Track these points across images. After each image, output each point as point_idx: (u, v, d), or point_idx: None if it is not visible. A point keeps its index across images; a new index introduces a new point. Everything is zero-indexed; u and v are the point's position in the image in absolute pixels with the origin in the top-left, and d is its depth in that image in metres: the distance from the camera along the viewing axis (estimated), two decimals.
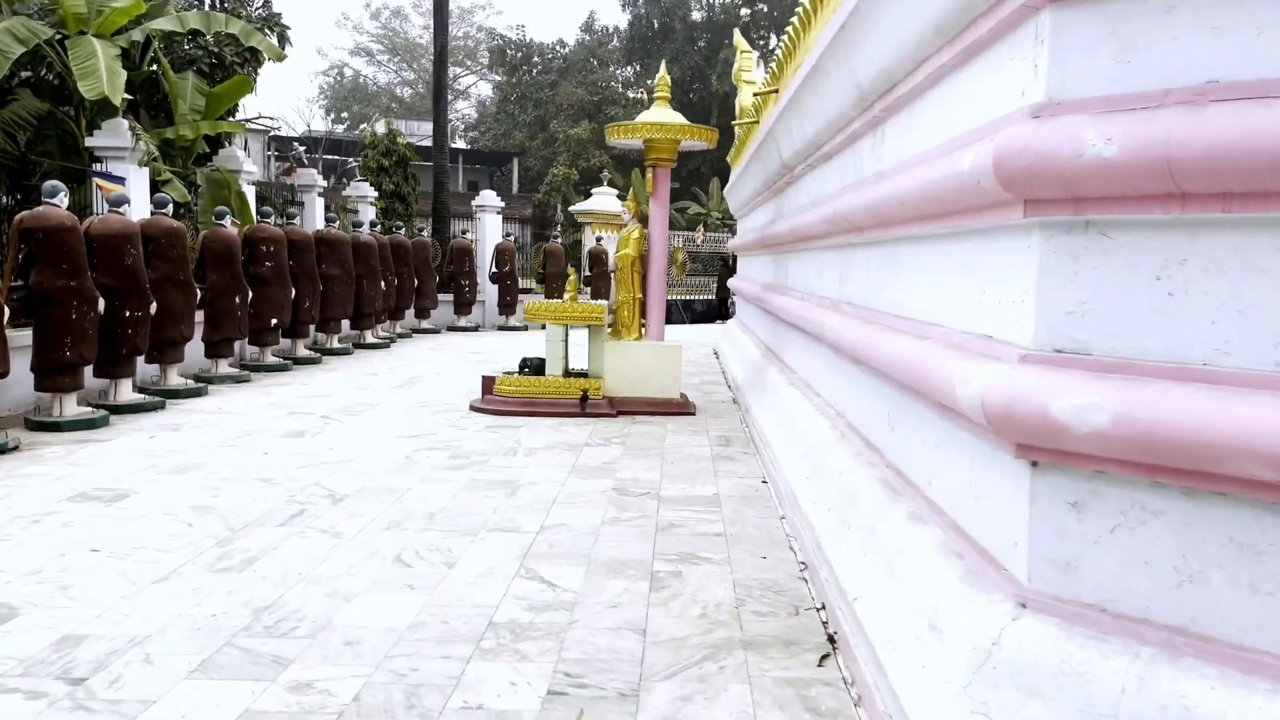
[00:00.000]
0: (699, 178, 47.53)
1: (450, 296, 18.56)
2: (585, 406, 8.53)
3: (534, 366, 8.94)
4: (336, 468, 6.30)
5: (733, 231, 27.41)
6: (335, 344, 13.62)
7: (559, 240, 20.31)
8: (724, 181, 50.11)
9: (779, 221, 8.26)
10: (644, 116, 8.77)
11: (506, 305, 19.19)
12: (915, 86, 3.57)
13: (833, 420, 5.34)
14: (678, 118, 8.74)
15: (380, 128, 22.18)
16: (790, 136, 6.82)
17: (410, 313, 17.08)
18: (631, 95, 54.84)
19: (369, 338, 14.74)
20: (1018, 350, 2.49)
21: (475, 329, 19.01)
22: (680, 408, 8.71)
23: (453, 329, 18.59)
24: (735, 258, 24.14)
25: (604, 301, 8.82)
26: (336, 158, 38.25)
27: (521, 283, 20.13)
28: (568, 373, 8.81)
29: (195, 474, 6.08)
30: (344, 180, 23.99)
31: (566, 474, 6.23)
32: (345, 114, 63.04)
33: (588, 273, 20.81)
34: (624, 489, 5.86)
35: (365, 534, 4.84)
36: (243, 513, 5.19)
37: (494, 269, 19.06)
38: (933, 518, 3.32)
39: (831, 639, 3.58)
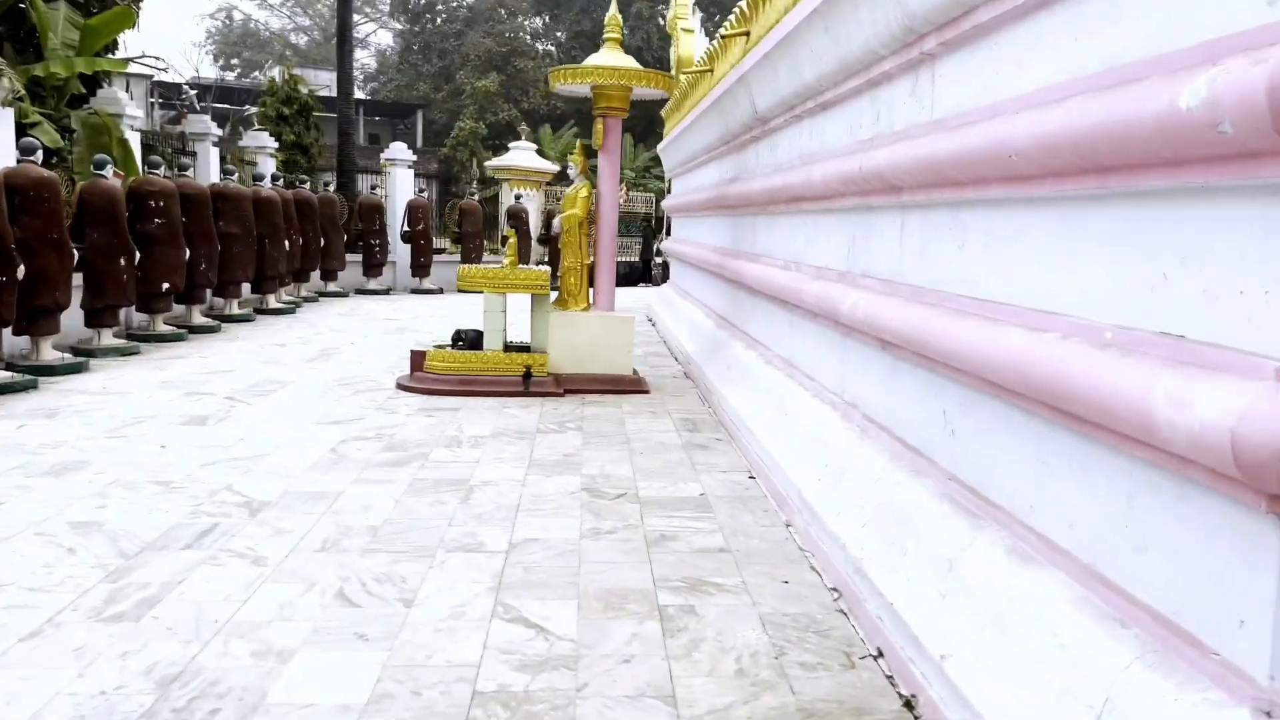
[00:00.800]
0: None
1: (359, 257, 17.31)
2: (529, 385, 7.68)
3: (469, 340, 8.02)
4: (250, 465, 5.33)
5: (659, 192, 26.56)
6: (235, 310, 12.38)
7: (475, 197, 19.14)
8: (638, 139, 48.90)
9: (744, 180, 7.49)
10: (593, 59, 7.86)
11: (420, 267, 18.02)
12: (1021, 4, 2.81)
13: (843, 411, 4.63)
14: (629, 61, 7.86)
15: (278, 75, 20.55)
16: (774, 83, 6.03)
17: (316, 275, 15.82)
18: (541, 48, 53.25)
19: (272, 302, 13.50)
20: (1272, 364, 1.78)
21: (387, 292, 17.81)
22: (633, 385, 7.92)
23: (362, 292, 17.37)
24: (665, 218, 23.40)
25: (540, 268, 7.92)
26: (229, 107, 35.91)
27: (435, 242, 18.94)
28: (508, 347, 7.92)
29: (76, 476, 5.04)
30: (240, 129, 22.27)
31: (524, 470, 5.39)
32: (235, 61, 59.70)
33: (504, 232, 19.73)
34: (595, 489, 5.06)
35: (296, 558, 3.94)
36: (138, 530, 4.22)
37: (406, 228, 17.84)
38: (1050, 558, 2.62)
39: (910, 704, 2.87)
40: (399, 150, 18.77)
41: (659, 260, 23.20)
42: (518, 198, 19.75)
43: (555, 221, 8.03)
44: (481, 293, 7.85)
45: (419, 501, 4.75)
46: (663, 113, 14.05)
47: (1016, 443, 2.87)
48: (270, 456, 5.53)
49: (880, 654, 3.17)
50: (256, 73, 56.26)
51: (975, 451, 3.18)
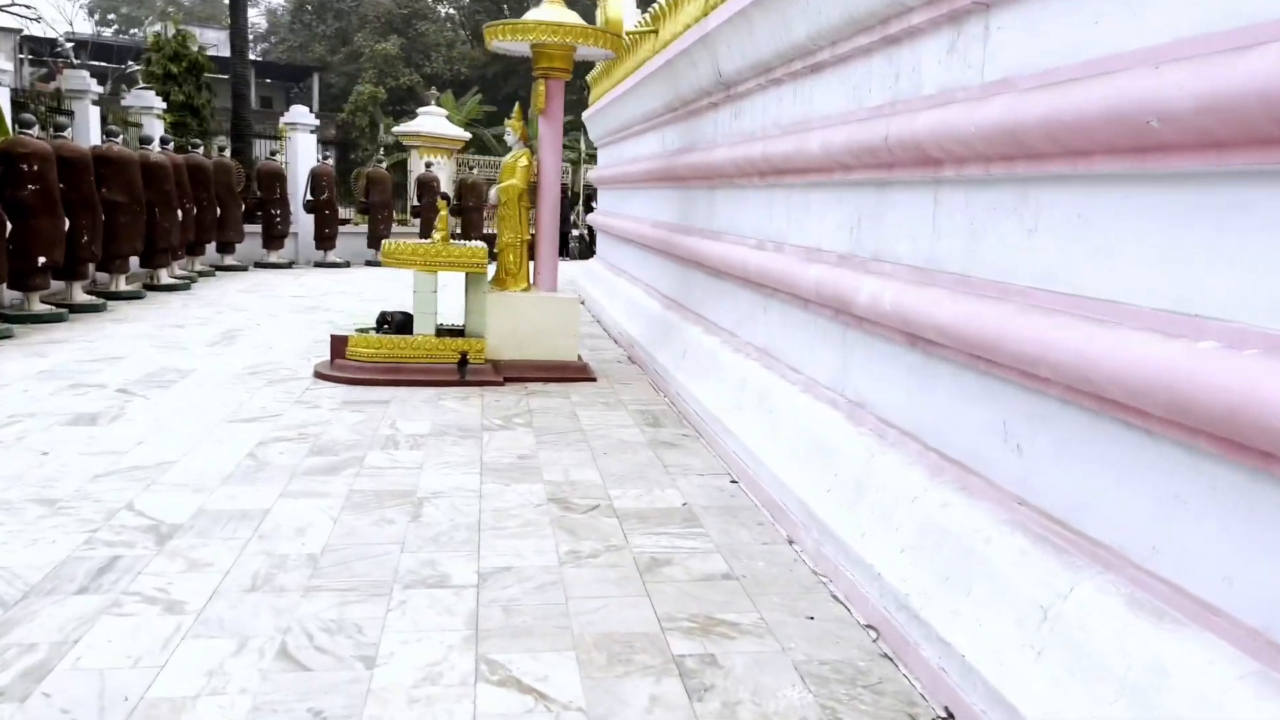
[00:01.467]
0: (516, 102, 45.27)
1: (258, 228, 16.15)
2: (465, 373, 6.99)
3: (396, 323, 7.27)
4: (154, 477, 4.55)
5: (575, 162, 25.77)
6: (123, 286, 11.26)
7: (383, 164, 18.09)
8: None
9: (699, 150, 6.91)
10: (534, 14, 7.14)
11: (325, 239, 16.94)
12: None
13: (848, 412, 4.13)
14: (573, 17, 7.16)
15: (164, 30, 19.02)
16: (748, 43, 5.45)
17: (211, 247, 14.66)
18: (444, 10, 51.54)
19: (164, 277, 12.38)
20: None
21: (289, 266, 16.69)
22: (579, 372, 7.30)
23: (263, 266, 16.22)
24: (583, 190, 22.60)
25: (474, 244, 7.20)
26: (106, 65, 33.54)
27: (339, 212, 17.83)
28: (439, 331, 7.21)
29: None
30: (123, 88, 20.62)
31: (477, 477, 4.75)
32: (112, 16, 56.24)
33: (415, 202, 18.78)
34: (564, 500, 4.45)
35: (221, 602, 3.23)
36: (18, 568, 3.44)
37: (309, 196, 16.73)
38: (1198, 618, 2.14)
39: None
40: (300, 114, 17.58)
41: (577, 233, 22.52)
42: (428, 165, 18.84)
43: (491, 193, 7.32)
44: (409, 270, 7.11)
45: (362, 520, 4.07)
46: (590, 78, 13.34)
47: (1131, 470, 2.38)
48: (177, 465, 4.75)
49: (951, 716, 2.67)
50: (135, 29, 53.03)
51: (1055, 474, 2.70)
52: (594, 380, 7.29)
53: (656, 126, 8.83)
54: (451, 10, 51.91)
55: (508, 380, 7.06)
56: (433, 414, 6.05)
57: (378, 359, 6.96)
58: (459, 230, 19.51)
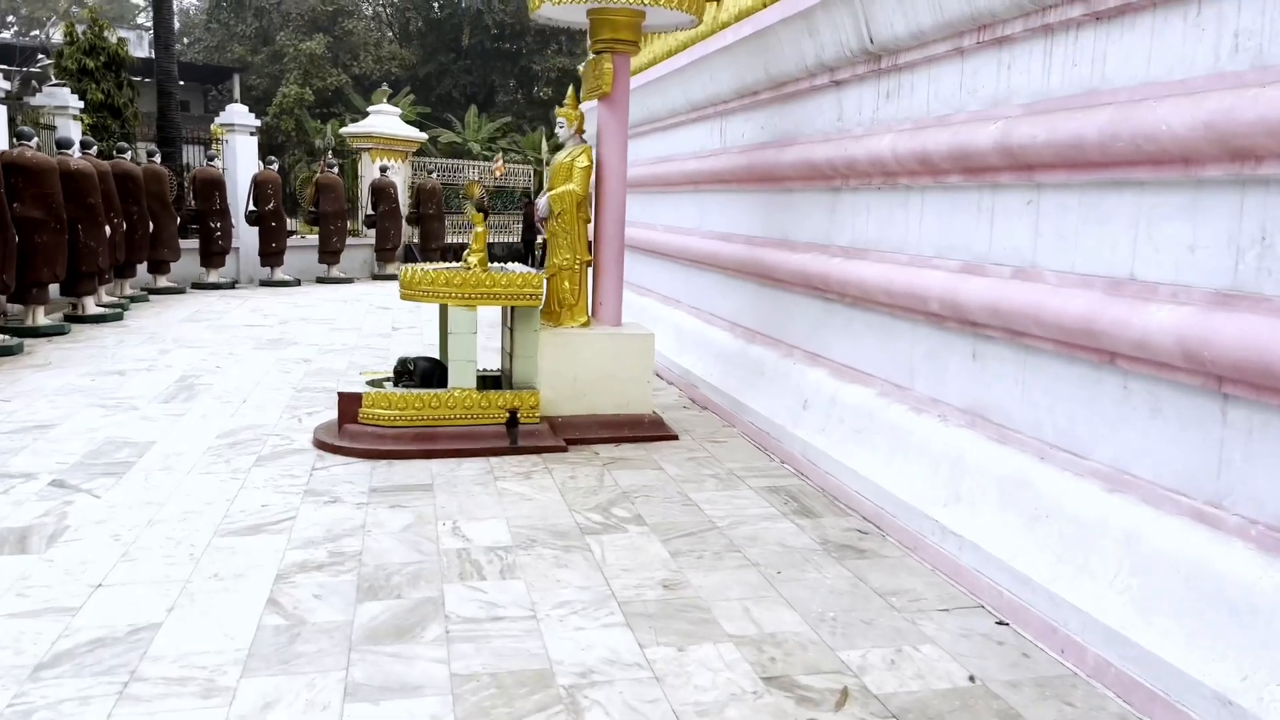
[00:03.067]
0: (450, 102, 43.32)
1: (194, 244, 14.18)
2: (516, 436, 5.37)
3: (422, 372, 5.61)
4: (132, 662, 2.86)
5: (537, 163, 24.03)
6: (42, 320, 9.31)
7: (335, 170, 16.21)
8: (483, 106, 45.82)
9: (811, 143, 5.39)
10: None
11: (272, 254, 15.01)
12: None
13: (1215, 522, 2.65)
14: None
15: (79, 24, 16.81)
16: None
17: (142, 267, 12.68)
18: (370, 9, 49.30)
19: (91, 306, 10.42)
20: None
21: (232, 285, 14.73)
22: (656, 429, 5.73)
23: (201, 286, 14.24)
24: (531, 197, 20.84)
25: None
26: (9, 67, 30.70)
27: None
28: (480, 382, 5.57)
29: None
30: (34, 85, 18.33)
31: (627, 632, 3.15)
32: (12, 19, 52.65)
33: (369, 210, 16.94)
34: (784, 677, 2.88)
35: None
36: None
37: (252, 207, 14.79)
38: None
39: None
40: (239, 113, 15.59)
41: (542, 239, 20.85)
42: (383, 170, 16.99)
43: (541, 202, 5.68)
44: (426, 303, 5.46)
45: None
46: (581, 69, 11.73)
47: None
48: (163, 632, 3.06)
49: None
50: (37, 31, 49.64)
51: None
52: (675, 438, 5.72)
53: (713, 116, 7.29)
54: (380, 8, 49.69)
55: (570, 443, 5.46)
56: (499, 504, 4.42)
57: (403, 422, 5.29)
58: (416, 240, 17.74)
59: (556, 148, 6.05)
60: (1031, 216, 3.62)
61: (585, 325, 5.77)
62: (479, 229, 5.56)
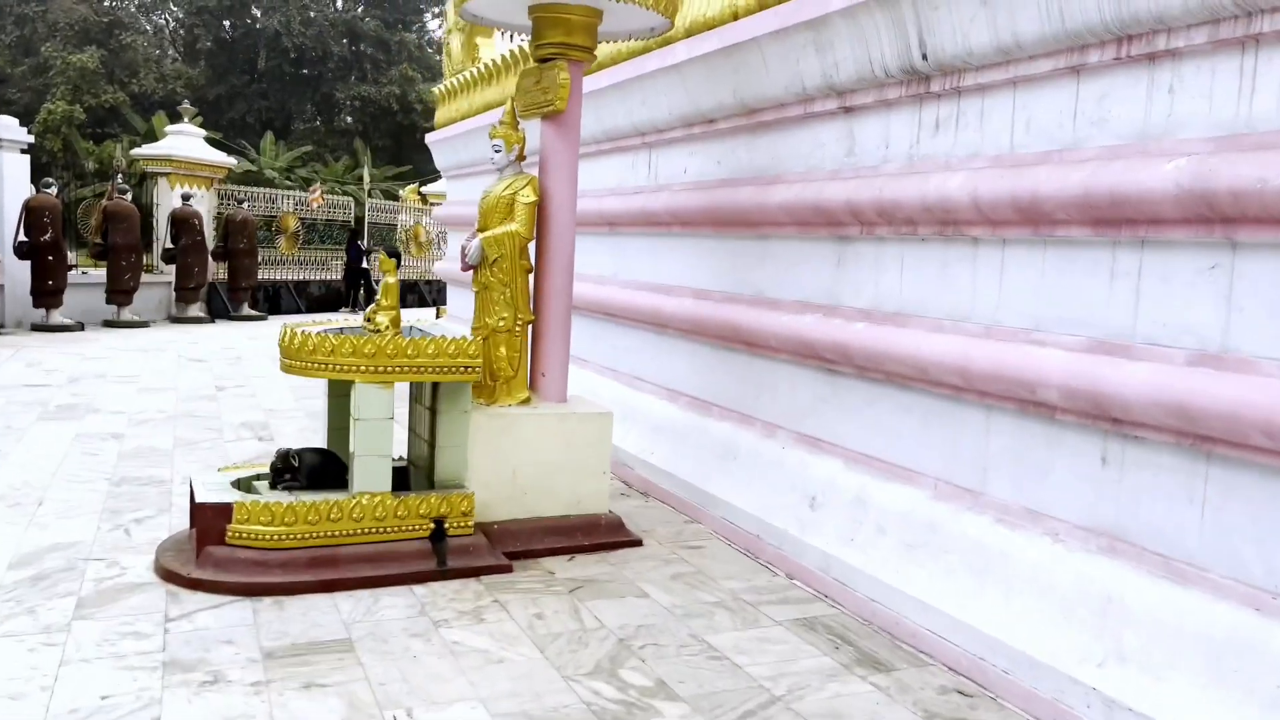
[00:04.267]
0: (243, 128, 40.24)
1: None
2: (445, 554, 4.05)
3: (310, 468, 4.18)
4: None
5: (357, 196, 22.12)
6: None
7: (127, 196, 13.98)
8: (280, 134, 42.94)
9: (805, 183, 4.43)
10: None
11: (48, 293, 12.65)
12: None
13: None
14: None
15: None
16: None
17: None
18: (150, 23, 45.39)
19: None
20: None
21: None
22: (616, 533, 4.54)
23: None
24: (356, 231, 18.93)
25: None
26: None
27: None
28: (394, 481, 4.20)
29: None
30: None
31: None
32: None
33: (169, 244, 14.78)
34: None
35: None
36: None
37: (23, 237, 12.43)
38: None
39: None
40: (8, 126, 13.14)
41: (378, 280, 19.02)
42: (185, 199, 14.89)
43: (472, 245, 4.39)
44: (333, 380, 4.07)
45: None
46: (439, 89, 10.43)
47: None
48: None
49: None
50: None
51: None
52: (639, 544, 4.56)
53: (639, 148, 6.22)
54: (163, 20, 45.83)
55: (512, 557, 4.20)
56: (459, 672, 3.13)
57: (292, 542, 3.86)
58: (223, 276, 15.66)
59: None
60: (1219, 285, 2.76)
61: (526, 403, 4.53)
62: (390, 279, 4.23)
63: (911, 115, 3.94)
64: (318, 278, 18.20)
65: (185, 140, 15.55)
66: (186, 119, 15.99)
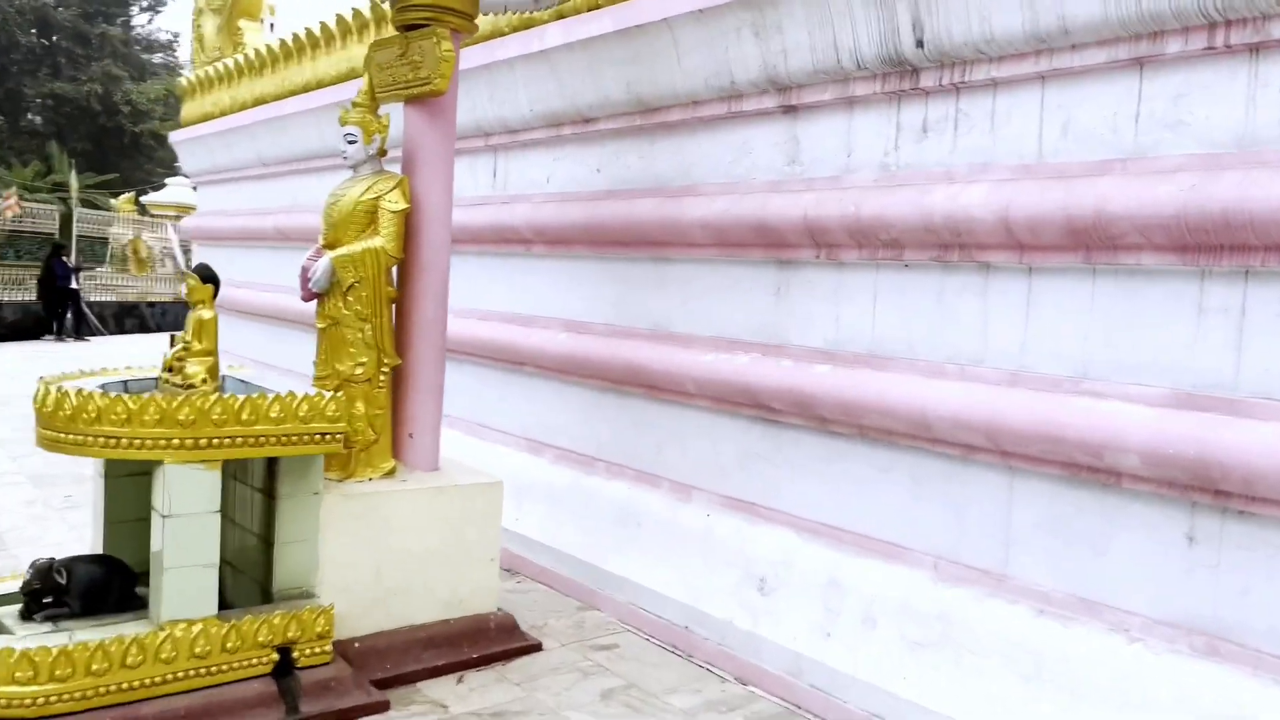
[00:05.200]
0: None
1: None
2: (296, 697, 2.90)
3: (86, 586, 2.88)
4: None
5: (64, 206, 19.01)
6: None
7: None
8: None
9: (732, 194, 3.69)
10: None
11: None
12: None
13: None
14: None
15: None
16: None
17: None
18: None
19: None
20: None
21: None
22: (509, 638, 3.53)
23: None
24: (61, 245, 15.84)
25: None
26: None
27: None
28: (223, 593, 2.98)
29: None
30: None
31: None
32: None
33: None
34: None
35: None
36: None
37: None
38: None
39: None
40: None
41: (91, 301, 16.34)
42: None
43: (319, 266, 3.23)
44: (105, 458, 2.81)
45: None
46: (186, 80, 8.81)
47: None
48: None
49: None
50: None
51: None
52: (539, 648, 3.58)
53: (481, 151, 5.22)
54: None
55: (385, 686, 3.11)
56: None
57: (68, 706, 2.58)
58: None
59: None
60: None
61: (391, 474, 3.43)
62: (205, 314, 3.02)
63: (886, 116, 3.28)
64: (9, 298, 15.31)
65: None
66: None
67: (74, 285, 15.36)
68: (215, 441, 2.79)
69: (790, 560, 3.45)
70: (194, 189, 20.58)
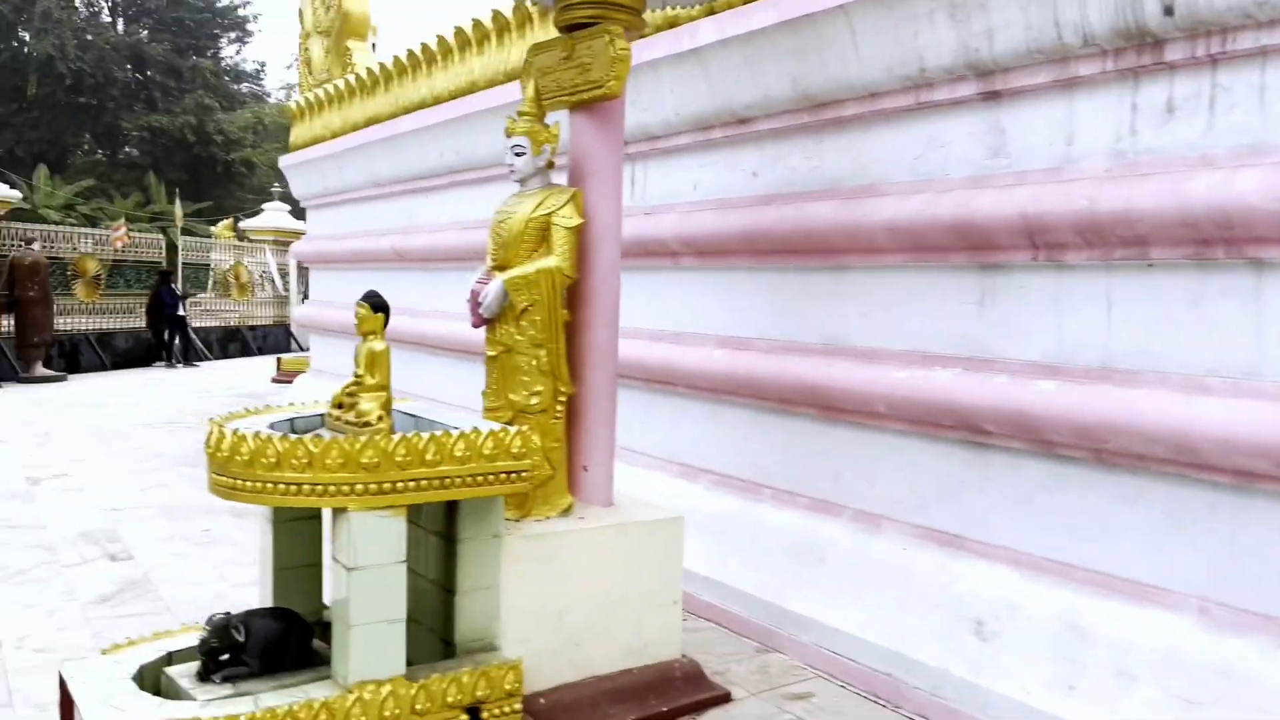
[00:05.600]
0: (11, 162, 35.78)
1: None
2: None
3: (264, 643, 2.65)
4: None
5: (170, 234, 19.50)
6: None
7: None
8: (55, 167, 38.65)
9: (957, 193, 3.34)
10: None
11: None
12: None
13: None
14: None
15: None
16: None
17: None
18: None
19: None
20: None
21: None
22: (697, 688, 3.23)
23: None
24: (168, 272, 16.13)
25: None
26: None
27: None
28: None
29: None
30: None
31: None
32: None
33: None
34: None
35: None
36: None
37: None
38: None
39: None
40: None
41: (196, 327, 16.66)
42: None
43: (491, 290, 2.98)
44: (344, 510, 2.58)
45: None
46: (296, 104, 8.78)
47: None
48: None
49: None
50: None
51: None
52: (728, 699, 3.27)
53: (624, 160, 4.96)
54: None
55: None
56: None
57: None
58: (9, 331, 13.10)
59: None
60: None
61: (568, 512, 3.16)
62: (377, 345, 2.78)
63: (1117, 97, 2.90)
64: (122, 325, 15.67)
65: None
66: None
67: (180, 312, 15.65)
68: (400, 485, 2.55)
69: (1013, 601, 3.07)
70: (289, 213, 20.91)
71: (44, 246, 13.93)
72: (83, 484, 6.42)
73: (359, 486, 2.50)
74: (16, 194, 14.01)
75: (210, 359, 17.04)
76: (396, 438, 2.54)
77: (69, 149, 39.20)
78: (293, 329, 19.72)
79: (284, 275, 20.11)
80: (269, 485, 2.48)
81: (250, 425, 2.71)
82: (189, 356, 15.92)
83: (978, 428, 3.21)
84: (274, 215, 20.30)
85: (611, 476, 3.34)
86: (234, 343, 18.34)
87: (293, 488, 2.47)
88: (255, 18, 44.61)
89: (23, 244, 13.45)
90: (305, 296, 19.17)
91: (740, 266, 4.24)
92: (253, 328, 18.99)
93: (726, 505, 4.22)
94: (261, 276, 19.50)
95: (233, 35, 44.06)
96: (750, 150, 4.20)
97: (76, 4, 38.76)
